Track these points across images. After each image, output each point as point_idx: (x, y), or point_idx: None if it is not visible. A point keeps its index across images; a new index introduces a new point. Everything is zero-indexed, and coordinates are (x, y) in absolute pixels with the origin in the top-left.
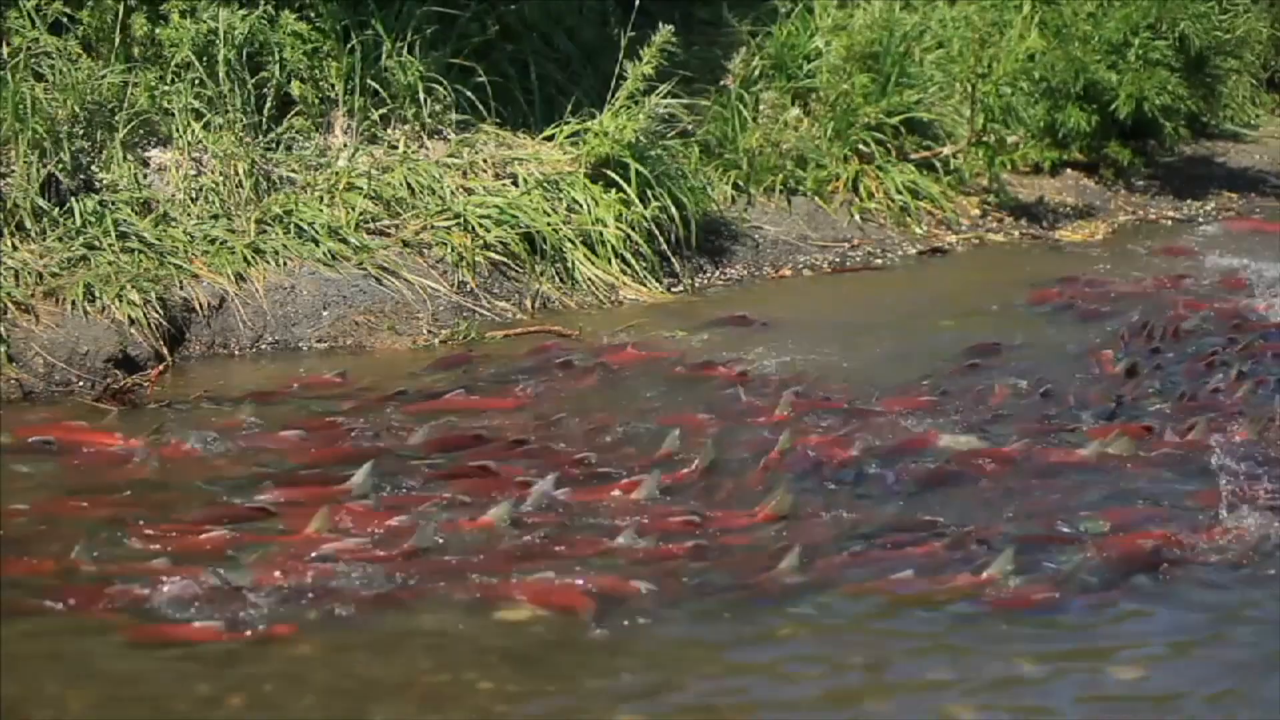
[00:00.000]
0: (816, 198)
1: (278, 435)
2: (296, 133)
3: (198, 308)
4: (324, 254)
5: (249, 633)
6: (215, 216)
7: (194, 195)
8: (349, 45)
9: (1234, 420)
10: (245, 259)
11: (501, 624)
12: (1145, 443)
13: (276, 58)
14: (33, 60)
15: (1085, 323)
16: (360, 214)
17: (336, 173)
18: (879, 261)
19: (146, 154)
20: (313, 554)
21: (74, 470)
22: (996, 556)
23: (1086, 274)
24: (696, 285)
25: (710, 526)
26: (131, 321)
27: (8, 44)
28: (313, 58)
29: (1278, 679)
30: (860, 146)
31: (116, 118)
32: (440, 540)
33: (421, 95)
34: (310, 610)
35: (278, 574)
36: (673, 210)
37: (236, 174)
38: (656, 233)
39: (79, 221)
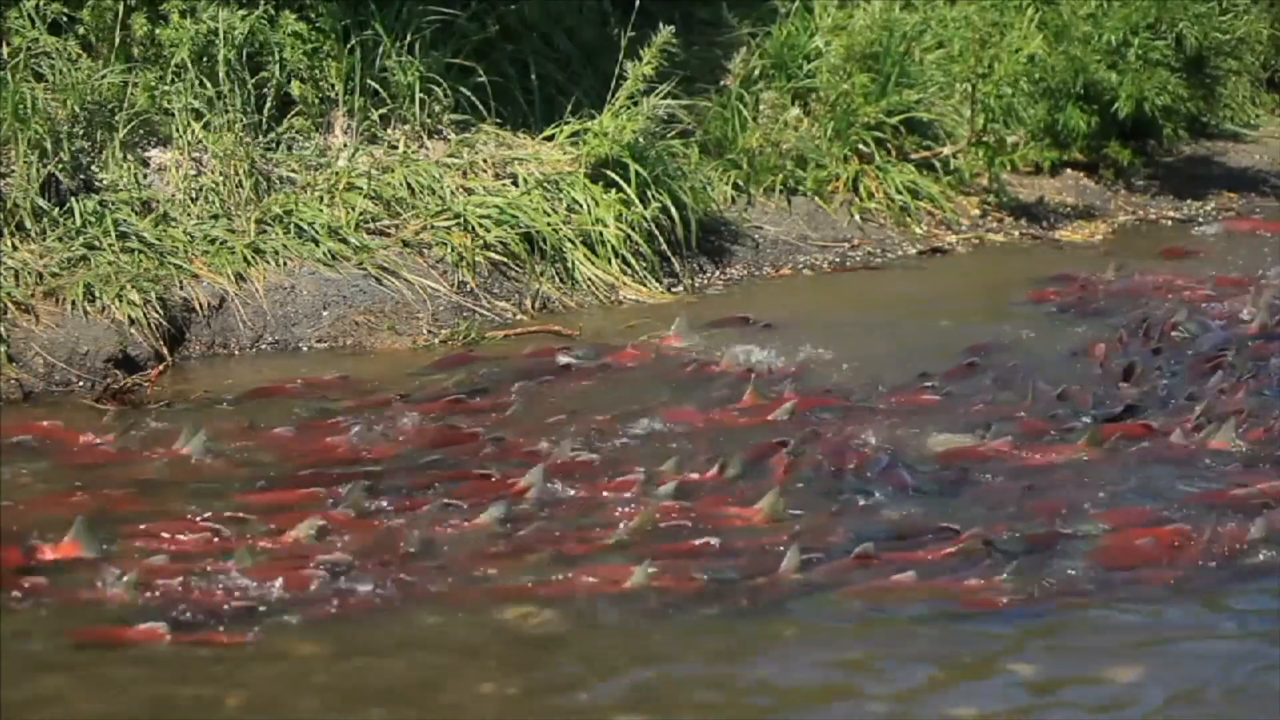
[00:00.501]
0: (816, 198)
1: (271, 434)
2: (296, 133)
3: (198, 308)
4: (324, 254)
5: (194, 637)
6: (215, 216)
7: (194, 195)
8: (349, 45)
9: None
10: (245, 259)
11: (502, 624)
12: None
13: (276, 58)
14: (33, 60)
15: (1085, 322)
16: (360, 214)
17: (336, 173)
18: (879, 261)
19: (146, 154)
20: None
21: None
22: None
23: (1085, 272)
24: (696, 285)
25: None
26: (131, 321)
27: (8, 44)
28: (313, 58)
29: (1277, 678)
30: (860, 146)
31: (116, 118)
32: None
33: (421, 95)
34: (305, 612)
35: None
36: (673, 210)
37: (236, 174)
38: (656, 233)
39: (79, 221)
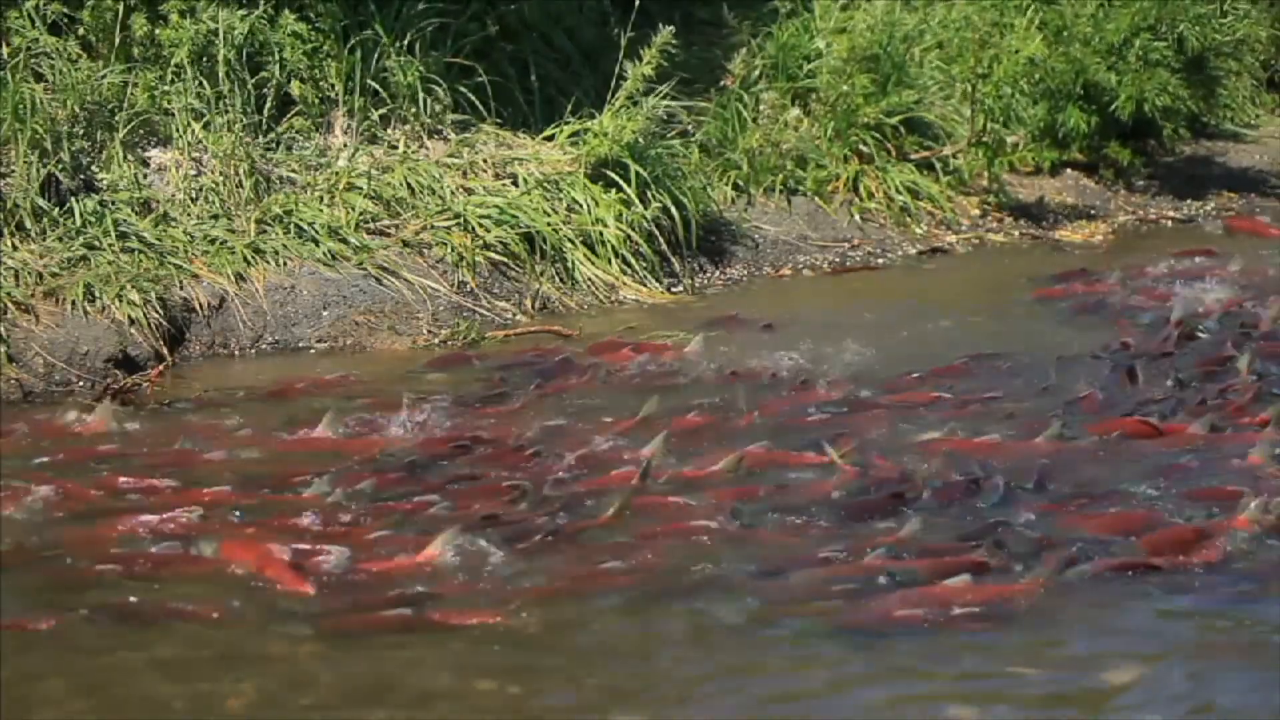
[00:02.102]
0: (816, 198)
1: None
2: (296, 133)
3: (198, 308)
4: (324, 254)
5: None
6: (215, 216)
7: (194, 195)
8: (349, 45)
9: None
10: (245, 259)
11: (501, 623)
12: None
13: (276, 58)
14: (33, 60)
15: (1088, 321)
16: (360, 214)
17: (336, 173)
18: (879, 261)
19: (146, 154)
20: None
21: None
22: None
23: (1090, 271)
24: (696, 285)
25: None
26: (131, 321)
27: (8, 44)
28: (313, 58)
29: (1277, 678)
30: (860, 146)
31: (116, 118)
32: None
33: (421, 95)
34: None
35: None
36: (673, 210)
37: (236, 174)
38: (656, 233)
39: (79, 221)
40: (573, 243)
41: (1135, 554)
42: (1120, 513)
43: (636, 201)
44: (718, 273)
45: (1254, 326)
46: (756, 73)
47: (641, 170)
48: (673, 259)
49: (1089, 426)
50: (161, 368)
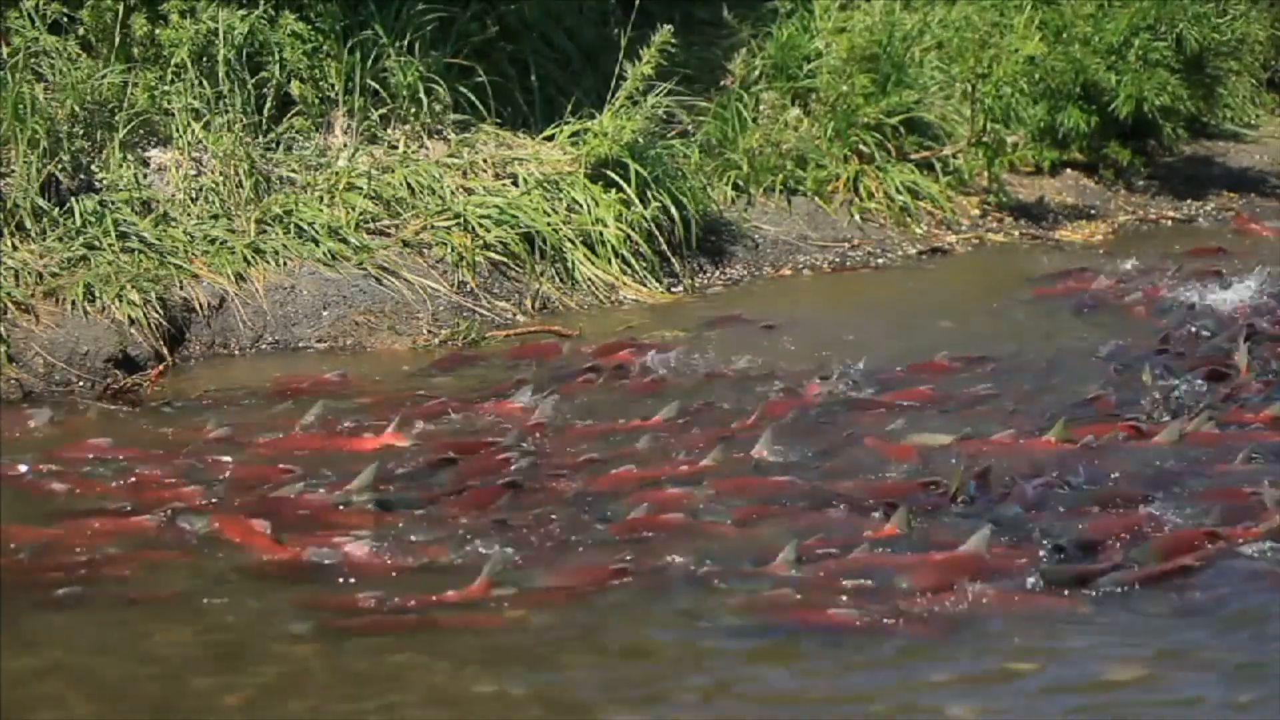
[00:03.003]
0: (816, 198)
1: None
2: (296, 133)
3: (198, 308)
4: (324, 254)
5: None
6: (215, 216)
7: (194, 195)
8: (349, 45)
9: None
10: (245, 259)
11: (501, 623)
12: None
13: (276, 58)
14: (33, 60)
15: (1088, 320)
16: (360, 214)
17: (336, 173)
18: (879, 261)
19: (146, 154)
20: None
21: None
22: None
23: (1089, 270)
24: (696, 285)
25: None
26: (131, 321)
27: (8, 44)
28: (313, 58)
29: (1276, 679)
30: (860, 146)
31: (116, 118)
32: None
33: (421, 95)
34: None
35: None
36: (673, 210)
37: (236, 174)
38: (656, 233)
39: (79, 221)
40: (573, 243)
41: (1149, 558)
42: (1130, 515)
43: (636, 201)
44: (718, 273)
45: (1256, 327)
46: (756, 73)
47: (641, 170)
48: (673, 259)
49: (1077, 429)
50: (161, 368)
